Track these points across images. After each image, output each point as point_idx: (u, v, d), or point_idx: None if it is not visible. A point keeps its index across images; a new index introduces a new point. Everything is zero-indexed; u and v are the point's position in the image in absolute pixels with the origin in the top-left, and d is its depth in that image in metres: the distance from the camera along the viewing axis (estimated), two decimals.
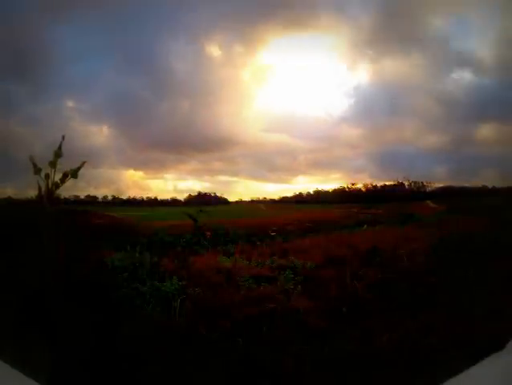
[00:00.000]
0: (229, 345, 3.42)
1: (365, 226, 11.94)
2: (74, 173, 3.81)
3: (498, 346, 1.11)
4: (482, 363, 1.03)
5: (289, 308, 4.27)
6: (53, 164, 3.71)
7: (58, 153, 3.78)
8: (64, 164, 3.59)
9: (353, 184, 20.70)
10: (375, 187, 20.48)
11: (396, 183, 20.14)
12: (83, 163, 3.88)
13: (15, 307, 3.09)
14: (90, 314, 3.41)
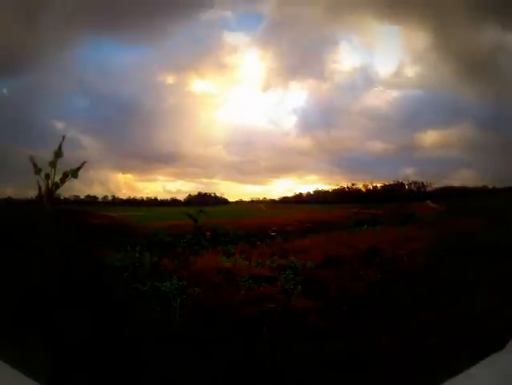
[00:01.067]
0: (229, 345, 3.42)
1: (365, 226, 11.93)
2: (74, 173, 3.82)
3: (498, 346, 1.11)
4: (482, 363, 1.03)
5: (289, 308, 4.27)
6: (53, 164, 3.72)
7: (58, 153, 3.79)
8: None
9: (353, 184, 20.68)
10: (375, 187, 20.46)
11: (395, 183, 20.13)
12: (83, 163, 3.89)
13: (15, 307, 3.09)
14: (90, 313, 3.41)
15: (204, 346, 3.38)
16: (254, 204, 20.67)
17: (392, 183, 20.21)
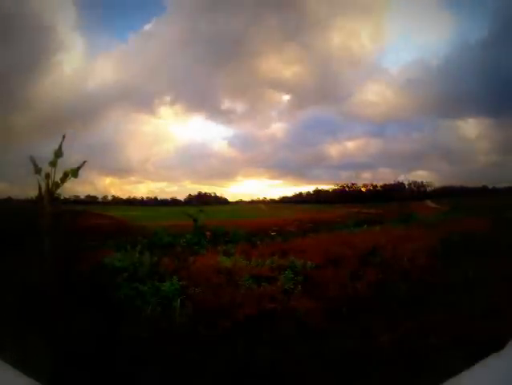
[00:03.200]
0: (229, 345, 3.43)
1: (365, 226, 11.93)
2: (74, 172, 3.81)
3: (498, 346, 1.11)
4: (482, 363, 1.03)
5: (289, 308, 4.27)
6: (53, 164, 3.72)
7: (58, 153, 3.78)
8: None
9: (353, 184, 20.75)
10: (375, 187, 20.52)
11: (395, 183, 20.19)
12: (84, 162, 3.89)
13: (16, 307, 3.09)
14: (90, 313, 3.41)
15: (204, 346, 3.38)
16: (254, 204, 20.76)
17: (392, 183, 20.29)
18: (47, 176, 3.69)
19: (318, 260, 6.38)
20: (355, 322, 3.99)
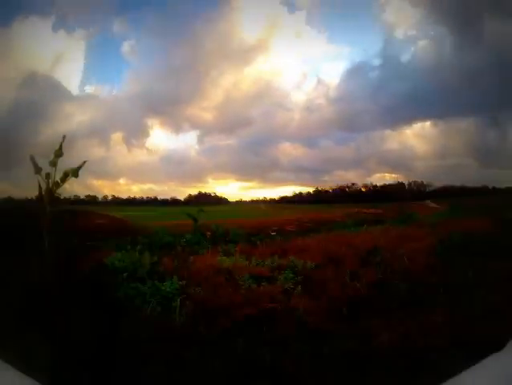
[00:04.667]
0: (229, 345, 3.43)
1: (365, 226, 11.91)
2: (75, 172, 3.81)
3: (498, 346, 1.11)
4: (482, 363, 1.03)
5: (289, 308, 4.27)
6: (53, 164, 3.71)
7: (58, 153, 3.77)
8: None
9: (353, 184, 20.76)
10: (375, 187, 20.54)
11: (395, 183, 20.21)
12: (84, 162, 3.88)
13: (16, 307, 3.09)
14: (90, 313, 3.41)
15: (204, 346, 3.38)
16: (254, 203, 20.78)
17: (392, 183, 20.33)
18: (47, 175, 3.68)
19: (318, 260, 6.37)
20: (355, 321, 3.99)
